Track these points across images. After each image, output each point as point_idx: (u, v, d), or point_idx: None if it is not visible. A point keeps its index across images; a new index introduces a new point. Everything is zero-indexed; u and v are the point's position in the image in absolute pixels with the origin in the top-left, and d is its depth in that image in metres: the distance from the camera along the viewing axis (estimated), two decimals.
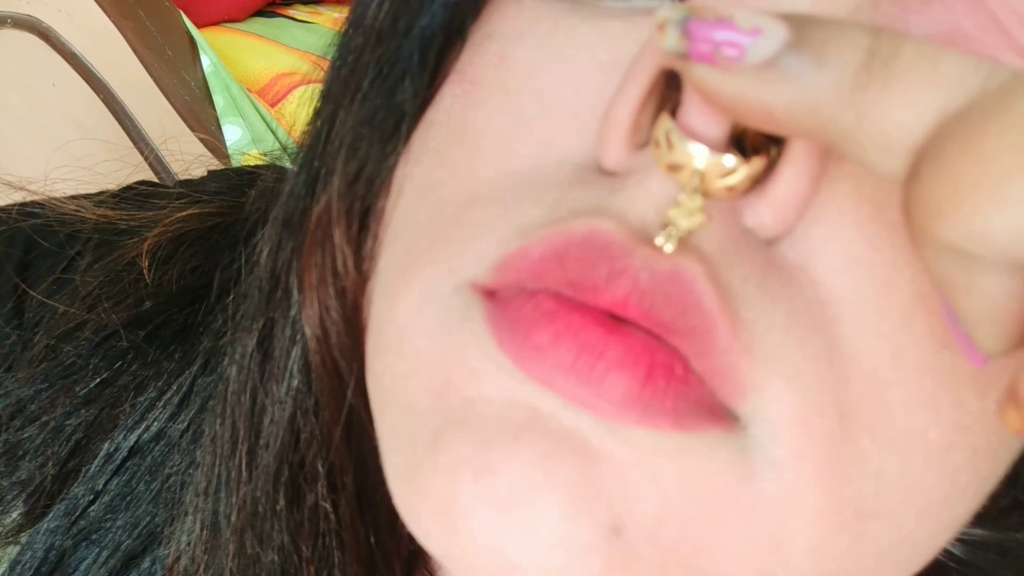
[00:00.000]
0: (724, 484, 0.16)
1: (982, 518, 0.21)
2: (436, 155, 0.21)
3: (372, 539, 0.25)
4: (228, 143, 0.73)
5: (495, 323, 0.17)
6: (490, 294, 0.18)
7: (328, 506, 0.25)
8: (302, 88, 0.80)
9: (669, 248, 0.16)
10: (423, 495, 0.17)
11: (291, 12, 1.03)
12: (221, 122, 0.74)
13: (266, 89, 0.80)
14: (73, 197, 0.37)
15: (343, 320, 0.23)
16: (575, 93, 0.19)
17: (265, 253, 0.26)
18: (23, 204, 0.36)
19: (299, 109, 0.80)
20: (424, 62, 0.22)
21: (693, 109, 0.16)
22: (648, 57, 0.17)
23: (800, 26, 0.14)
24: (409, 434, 0.18)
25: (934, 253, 0.13)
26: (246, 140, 0.73)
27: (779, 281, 0.17)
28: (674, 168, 0.16)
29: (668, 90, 0.18)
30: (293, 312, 0.25)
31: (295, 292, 0.25)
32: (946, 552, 0.24)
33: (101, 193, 0.39)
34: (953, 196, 0.12)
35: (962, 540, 0.24)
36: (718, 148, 0.16)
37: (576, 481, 0.16)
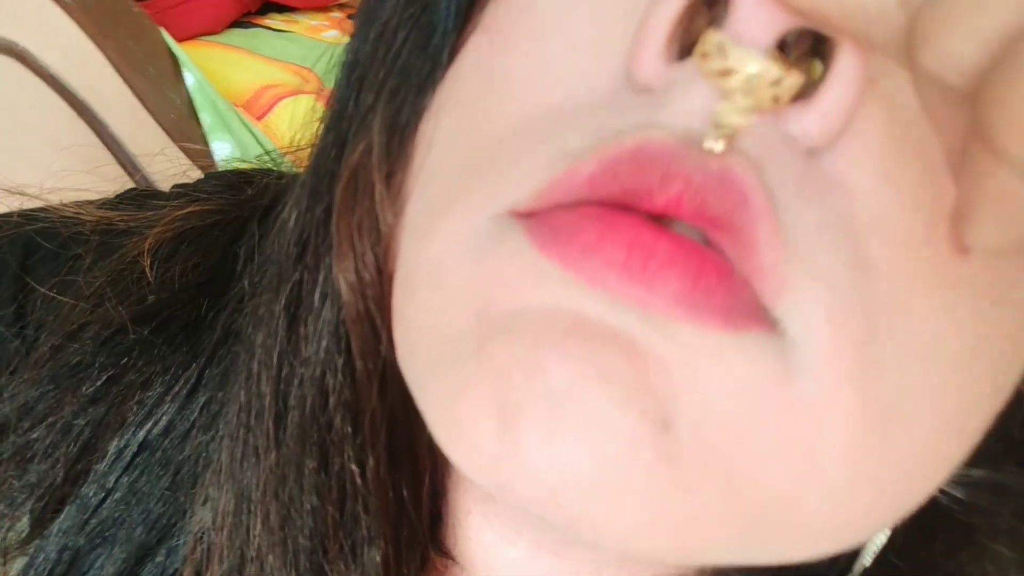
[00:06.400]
0: (764, 385, 0.17)
1: (980, 459, 0.22)
2: (467, 102, 0.21)
3: (404, 494, 0.26)
4: (217, 160, 0.73)
5: (535, 233, 0.18)
6: (528, 215, 0.18)
7: (355, 467, 0.25)
8: (286, 100, 0.80)
9: (719, 147, 0.17)
10: (473, 402, 0.17)
11: (267, 22, 1.02)
12: (209, 139, 0.74)
13: (251, 102, 0.80)
14: (74, 201, 0.37)
15: (377, 269, 0.24)
16: (599, 28, 0.19)
17: (293, 218, 0.26)
18: (25, 209, 0.36)
19: (281, 117, 0.80)
20: (458, 14, 0.23)
21: (742, 18, 0.17)
22: None
23: None
24: (450, 354, 0.18)
25: (989, 159, 0.13)
26: (235, 156, 0.73)
27: (813, 190, 0.18)
28: (725, 73, 0.17)
29: (702, 10, 0.18)
30: (324, 271, 0.25)
31: (329, 248, 0.25)
32: (948, 495, 0.25)
33: (99, 200, 0.39)
34: None
35: (962, 482, 0.25)
36: (768, 56, 0.17)
37: (626, 375, 0.16)
